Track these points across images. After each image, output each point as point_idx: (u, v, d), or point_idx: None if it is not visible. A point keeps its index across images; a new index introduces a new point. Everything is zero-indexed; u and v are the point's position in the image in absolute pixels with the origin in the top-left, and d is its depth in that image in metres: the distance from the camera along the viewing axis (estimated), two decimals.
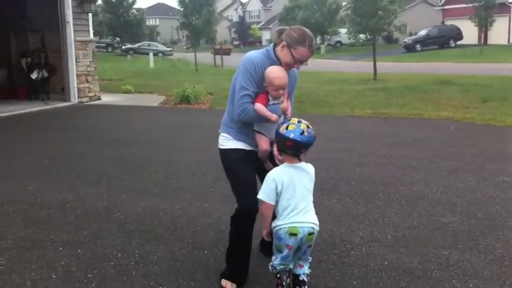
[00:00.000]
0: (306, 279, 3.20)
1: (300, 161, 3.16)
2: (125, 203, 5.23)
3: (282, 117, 3.35)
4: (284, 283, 3.12)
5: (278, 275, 3.14)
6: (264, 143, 3.41)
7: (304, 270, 3.20)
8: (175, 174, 6.27)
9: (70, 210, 5.02)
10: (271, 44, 3.44)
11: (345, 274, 3.64)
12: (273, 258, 3.19)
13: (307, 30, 3.33)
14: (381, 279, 3.57)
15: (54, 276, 3.64)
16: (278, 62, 3.34)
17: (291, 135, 3.01)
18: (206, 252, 4.02)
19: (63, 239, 4.31)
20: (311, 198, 3.17)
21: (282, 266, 3.14)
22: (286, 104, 3.35)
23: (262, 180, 3.27)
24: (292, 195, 3.07)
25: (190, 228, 4.51)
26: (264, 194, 3.10)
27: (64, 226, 4.61)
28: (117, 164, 6.81)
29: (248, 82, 3.29)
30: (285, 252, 3.10)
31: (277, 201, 3.11)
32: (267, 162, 3.49)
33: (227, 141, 3.50)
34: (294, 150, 3.08)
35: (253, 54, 3.39)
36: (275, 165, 3.31)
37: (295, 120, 3.10)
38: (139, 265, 3.80)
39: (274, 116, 3.25)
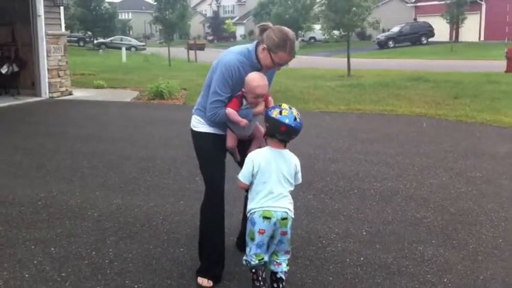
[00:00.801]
0: (283, 277, 3.20)
1: (285, 147, 3.19)
2: (99, 200, 5.16)
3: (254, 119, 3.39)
4: (260, 278, 3.12)
5: (253, 270, 3.15)
6: (230, 141, 3.48)
7: (282, 268, 3.20)
8: (150, 171, 6.21)
9: (42, 208, 4.93)
10: (254, 43, 3.34)
11: (321, 270, 3.66)
12: (247, 250, 3.19)
13: (289, 32, 3.23)
14: (357, 274, 3.59)
15: (26, 275, 3.58)
16: (258, 64, 3.29)
17: (286, 121, 3.04)
18: (182, 249, 3.99)
19: (35, 237, 4.24)
20: (289, 186, 3.19)
21: (257, 261, 3.13)
22: (261, 108, 3.32)
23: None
24: (267, 179, 3.11)
25: (166, 226, 4.47)
26: (242, 174, 3.18)
27: (36, 224, 4.53)
28: (90, 160, 6.71)
29: (223, 88, 3.26)
30: (258, 238, 3.10)
31: (252, 182, 3.16)
32: (235, 155, 3.56)
33: (200, 125, 3.51)
34: (286, 135, 3.11)
35: (233, 57, 3.28)
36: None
37: (285, 105, 3.11)
38: (114, 263, 3.76)
39: (244, 122, 3.27)
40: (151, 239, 4.18)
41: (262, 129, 3.41)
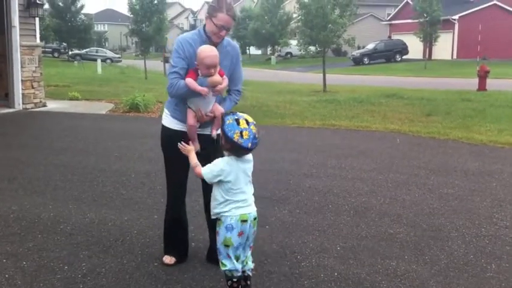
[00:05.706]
0: (250, 274, 3.36)
1: None
2: (72, 213, 5.10)
3: (211, 93, 3.49)
4: (241, 286, 3.26)
5: (235, 279, 3.25)
6: (191, 118, 3.58)
7: (249, 266, 3.34)
8: (124, 185, 6.17)
9: (14, 221, 4.86)
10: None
11: (295, 285, 3.66)
12: (224, 260, 3.23)
13: None
14: None
15: None
16: (208, 39, 3.55)
17: (249, 145, 3.11)
18: (156, 264, 3.96)
19: (6, 250, 4.17)
20: (251, 184, 3.33)
21: (237, 264, 3.21)
22: (216, 78, 3.49)
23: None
24: (238, 186, 3.22)
25: (140, 240, 4.44)
26: (208, 174, 3.22)
27: (8, 237, 4.46)
28: (64, 173, 6.63)
29: (176, 60, 3.56)
30: (237, 241, 3.19)
31: (219, 186, 3.23)
32: (194, 142, 3.60)
33: (166, 117, 3.81)
34: (246, 154, 3.23)
35: (184, 34, 3.68)
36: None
37: (244, 122, 3.11)
38: (87, 278, 3.71)
39: (204, 90, 3.44)
40: (125, 254, 4.15)
41: (221, 108, 3.60)
